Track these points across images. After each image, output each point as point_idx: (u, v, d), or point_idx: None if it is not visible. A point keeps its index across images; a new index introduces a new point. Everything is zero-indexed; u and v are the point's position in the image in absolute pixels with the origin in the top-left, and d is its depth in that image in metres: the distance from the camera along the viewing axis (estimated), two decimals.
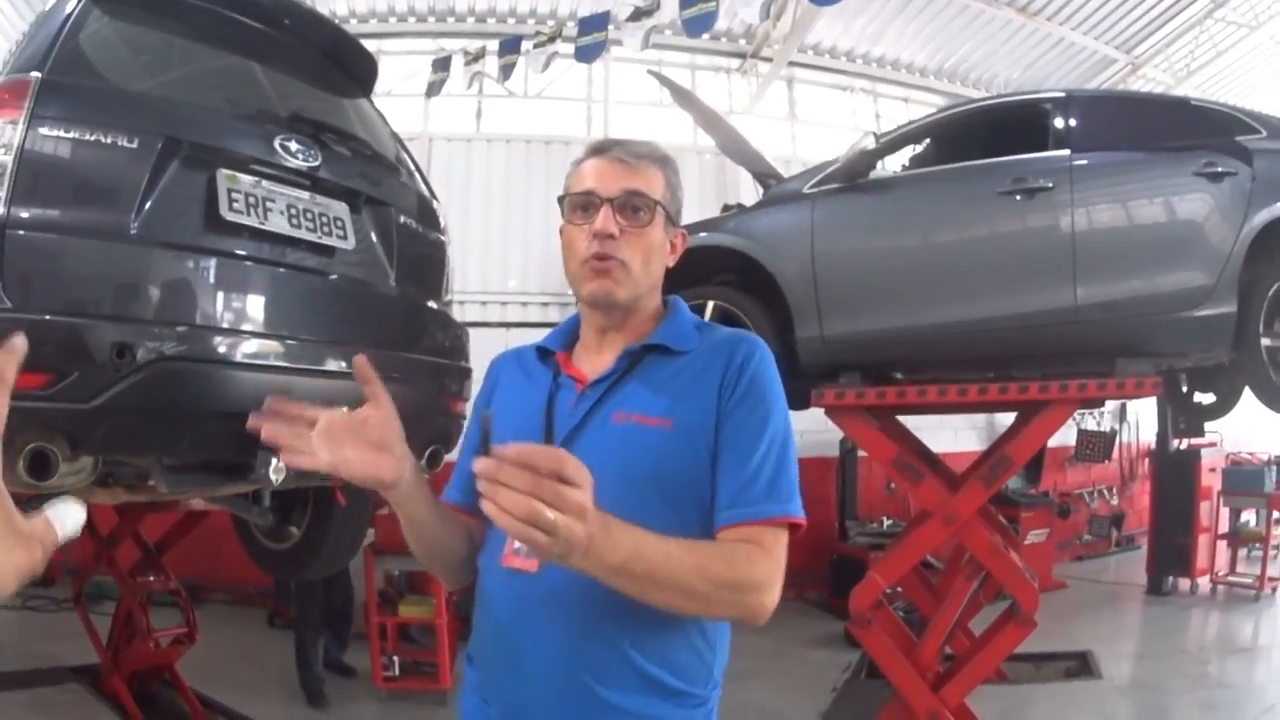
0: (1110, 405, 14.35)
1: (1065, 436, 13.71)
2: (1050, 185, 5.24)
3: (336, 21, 4.78)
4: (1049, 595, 10.81)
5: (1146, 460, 14.74)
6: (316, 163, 4.02)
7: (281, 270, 3.84)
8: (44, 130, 3.29)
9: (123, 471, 3.80)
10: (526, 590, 1.89)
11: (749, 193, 8.92)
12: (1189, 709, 7.23)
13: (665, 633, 1.88)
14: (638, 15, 11.44)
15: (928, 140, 6.36)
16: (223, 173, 3.70)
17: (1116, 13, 14.60)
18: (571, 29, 12.10)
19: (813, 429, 6.51)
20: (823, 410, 5.81)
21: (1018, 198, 5.27)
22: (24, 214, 3.18)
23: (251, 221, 3.73)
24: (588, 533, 1.49)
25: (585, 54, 11.76)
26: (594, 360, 2.09)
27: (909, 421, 6.55)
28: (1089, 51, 15.49)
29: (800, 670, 8.84)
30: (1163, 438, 12.39)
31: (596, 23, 11.65)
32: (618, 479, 1.76)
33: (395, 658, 8.07)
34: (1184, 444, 12.30)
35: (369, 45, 13.85)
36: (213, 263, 3.64)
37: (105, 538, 7.26)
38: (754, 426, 1.92)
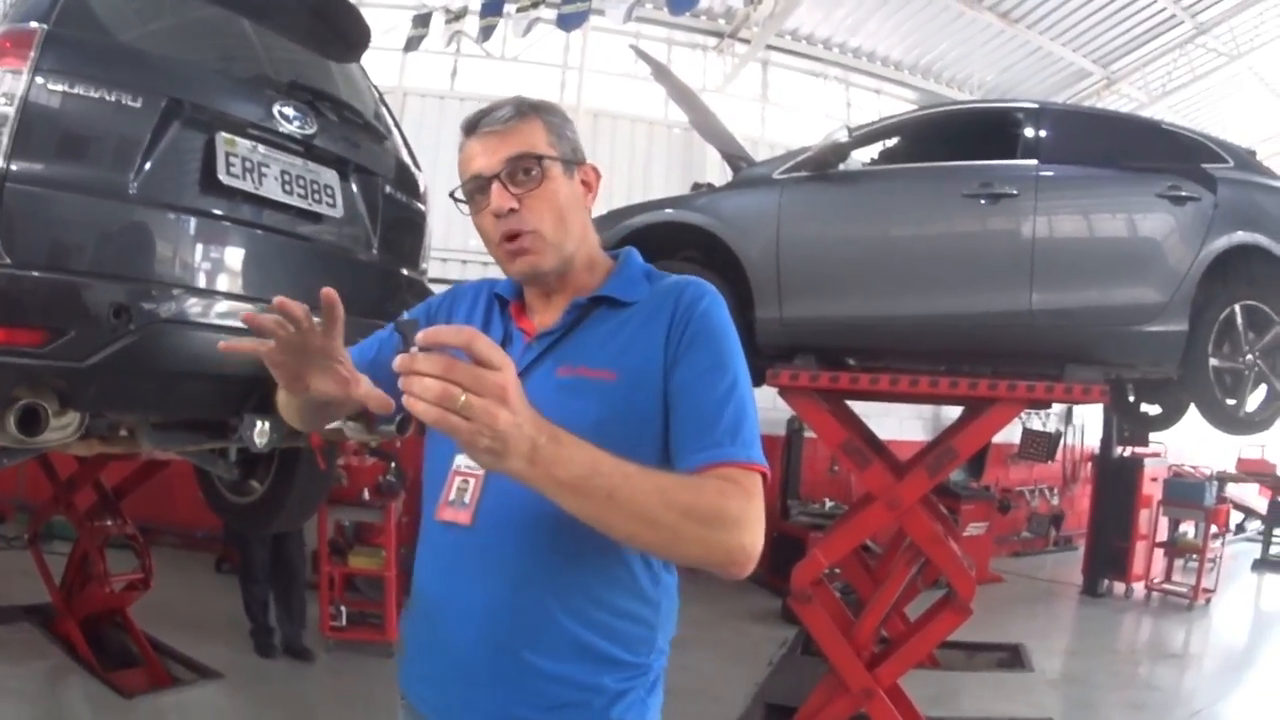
0: (1057, 407, 14.58)
1: (1010, 434, 13.74)
2: (1015, 192, 5.33)
3: None
4: (985, 588, 10.97)
5: (1089, 464, 14.93)
6: (312, 130, 4.04)
7: (272, 235, 3.86)
8: (48, 83, 3.25)
9: (100, 424, 3.81)
10: (458, 544, 1.86)
11: (716, 171, 9.01)
12: (1116, 707, 7.40)
13: (603, 596, 1.85)
14: None
15: (898, 137, 6.45)
16: (222, 136, 3.71)
17: (1098, 28, 14.85)
18: None
19: (761, 407, 6.57)
20: (775, 390, 5.90)
21: (982, 201, 5.36)
22: (25, 168, 3.15)
23: (247, 186, 3.75)
24: (516, 426, 1.40)
25: (567, 22, 11.75)
26: (543, 313, 2.04)
27: (857, 408, 6.63)
28: (1065, 62, 15.69)
29: (737, 643, 8.98)
30: (1107, 443, 12.64)
31: None
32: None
33: (343, 608, 8.10)
34: (1128, 451, 12.50)
35: None
36: (208, 225, 3.68)
37: (65, 481, 7.28)
38: (709, 369, 1.84)
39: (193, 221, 3.62)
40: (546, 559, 1.78)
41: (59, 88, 3.27)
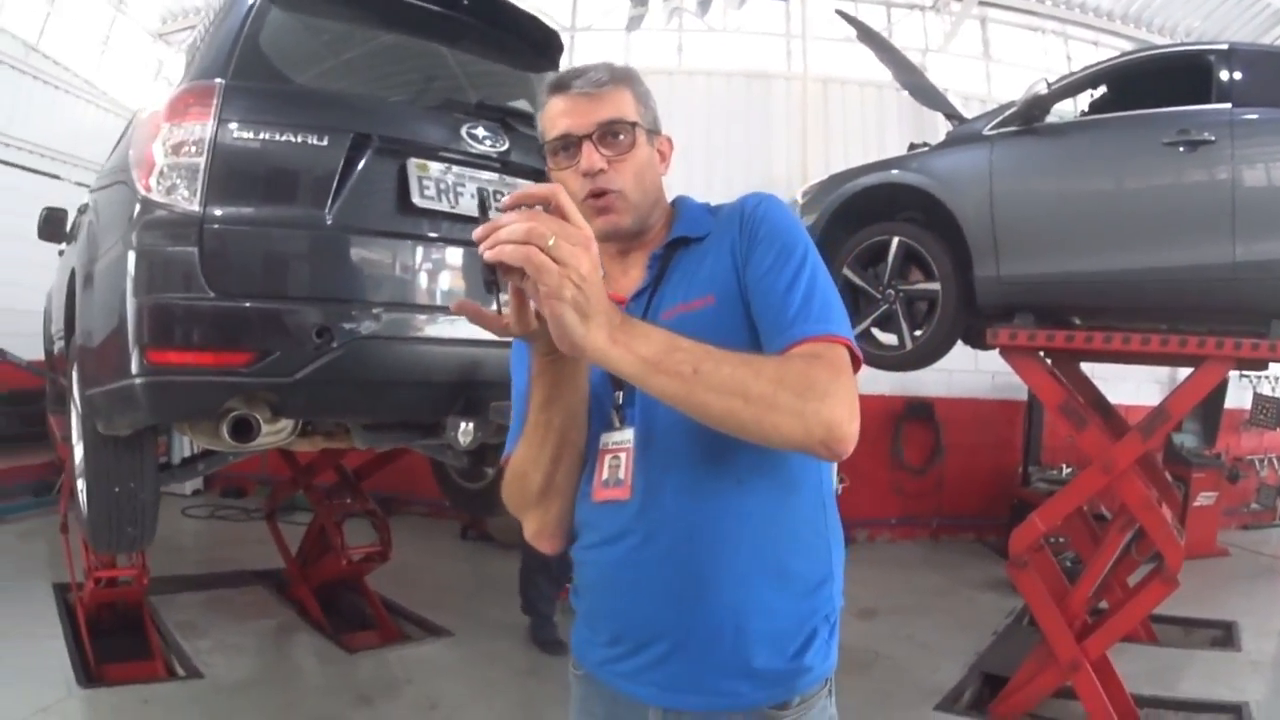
0: None
1: (1243, 399, 13.22)
2: (1212, 139, 5.18)
3: None
4: (1211, 562, 10.83)
5: None
6: (505, 147, 4.26)
7: (472, 248, 4.02)
8: (232, 132, 3.57)
9: (321, 423, 4.19)
10: (622, 517, 1.86)
11: (944, 129, 9.12)
12: None
13: (774, 536, 1.85)
14: None
15: (1099, 86, 6.35)
16: (413, 162, 3.97)
17: None
18: None
19: (1003, 370, 6.60)
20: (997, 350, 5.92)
21: (1181, 149, 5.24)
22: (219, 211, 3.50)
23: (443, 206, 4.00)
24: (595, 281, 1.46)
25: None
26: (625, 280, 2.05)
27: (1092, 372, 6.60)
28: (1265, 2, 15.02)
29: (966, 610, 8.92)
30: None
31: None
32: None
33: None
34: None
35: None
36: (405, 245, 3.99)
37: (304, 467, 7.66)
38: (775, 258, 1.85)
39: (390, 243, 3.92)
40: (712, 513, 1.81)
41: (244, 135, 3.59)
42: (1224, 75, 5.43)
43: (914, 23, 15.47)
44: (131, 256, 3.44)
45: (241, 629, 7.18)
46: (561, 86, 1.97)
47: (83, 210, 5.13)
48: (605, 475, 1.89)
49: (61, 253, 6.98)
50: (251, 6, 3.95)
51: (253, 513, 10.80)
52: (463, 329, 3.79)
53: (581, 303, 1.45)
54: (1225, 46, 5.64)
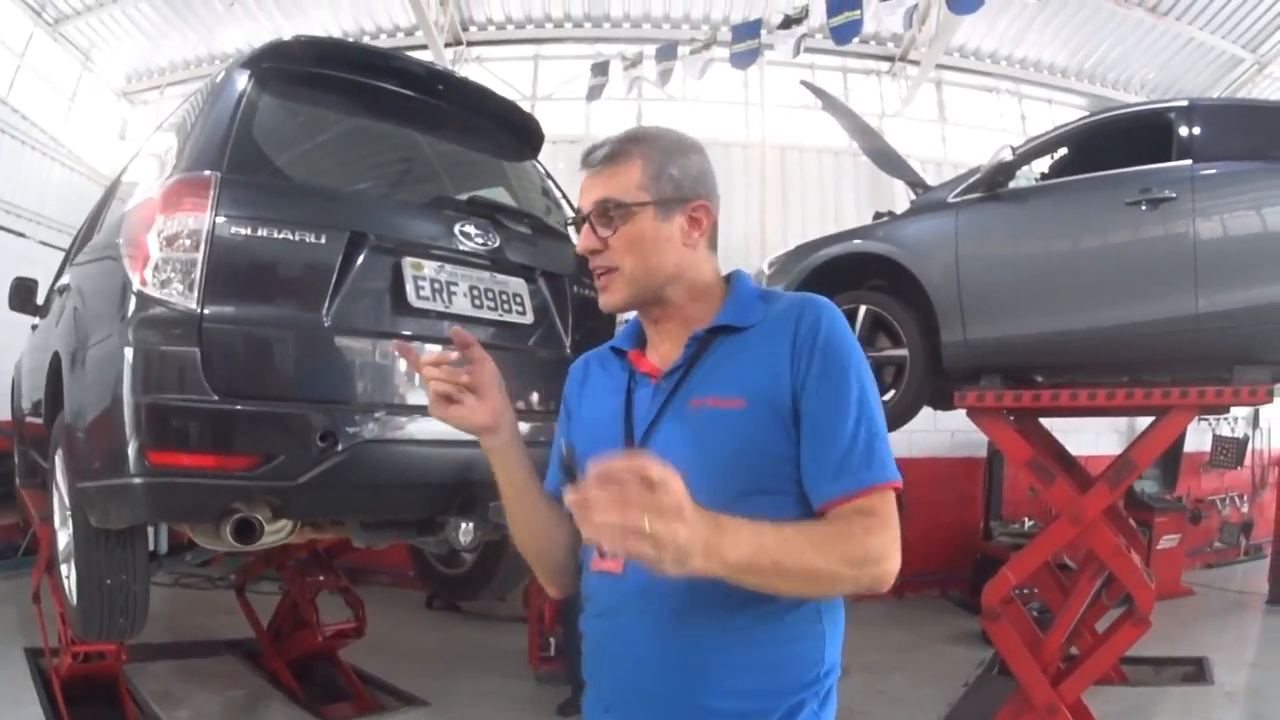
0: (1244, 411, 14.13)
1: (1202, 442, 13.60)
2: (1173, 195, 5.27)
3: (501, 93, 5.05)
4: (1176, 602, 10.94)
5: (1277, 467, 14.50)
6: (495, 244, 4.25)
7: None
8: (230, 228, 3.49)
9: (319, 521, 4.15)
10: (615, 591, 1.90)
11: (903, 197, 9.29)
12: None
13: (764, 624, 1.82)
14: (788, 23, 11.80)
15: (1061, 149, 6.46)
16: (408, 260, 3.93)
17: (1241, 9, 14.52)
18: (725, 35, 12.42)
19: (962, 429, 6.71)
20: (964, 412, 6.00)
21: (1143, 208, 5.32)
22: (218, 309, 3.41)
23: (437, 306, 3.95)
24: (694, 533, 1.46)
25: (739, 60, 12.13)
26: (661, 351, 2.05)
27: (1051, 424, 6.70)
28: (1217, 51, 15.37)
29: (936, 664, 9.00)
30: None
31: (749, 30, 12.04)
32: (700, 466, 1.73)
33: (552, 639, 8.13)
34: None
35: (528, 50, 14.51)
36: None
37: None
38: (839, 394, 1.82)
39: (388, 345, 3.85)
40: (702, 597, 1.77)
41: (241, 231, 3.51)
42: (1184, 132, 5.54)
43: (870, 87, 15.79)
44: (129, 353, 3.36)
45: (217, 699, 7.15)
46: (582, 163, 2.02)
47: (62, 291, 5.05)
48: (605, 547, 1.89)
49: (35, 327, 6.88)
50: (243, 93, 3.91)
51: (217, 580, 10.69)
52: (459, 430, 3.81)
53: (680, 559, 1.47)
54: (1185, 103, 5.76)
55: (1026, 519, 12.73)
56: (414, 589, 11.07)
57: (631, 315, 2.13)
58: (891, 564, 1.74)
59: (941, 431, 11.94)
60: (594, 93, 13.34)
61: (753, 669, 1.79)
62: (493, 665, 8.54)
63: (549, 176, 5.33)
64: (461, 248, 4.12)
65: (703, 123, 14.53)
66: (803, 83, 9.84)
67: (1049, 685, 5.67)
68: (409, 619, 10.07)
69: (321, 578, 7.40)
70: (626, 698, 1.93)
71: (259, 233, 3.55)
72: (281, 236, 3.60)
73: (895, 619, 10.78)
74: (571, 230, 2.15)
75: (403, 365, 3.86)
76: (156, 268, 3.41)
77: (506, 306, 4.24)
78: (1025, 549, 6.31)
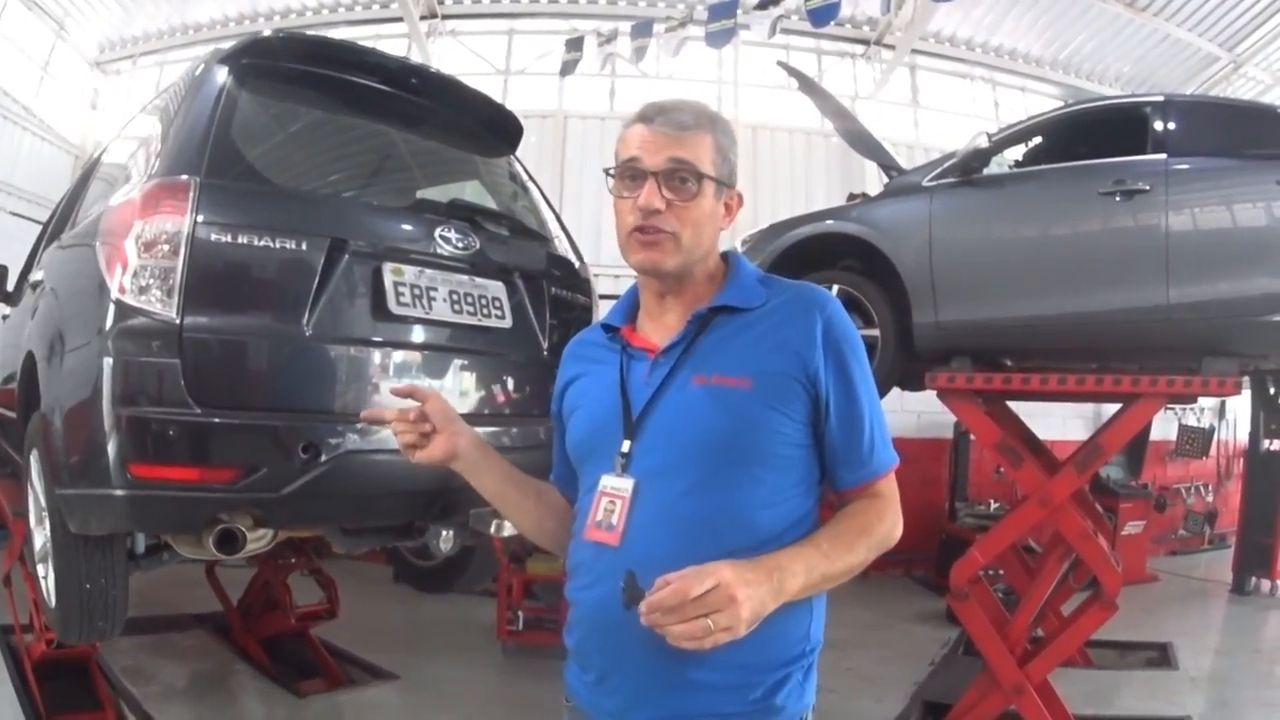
0: (1210, 402, 14.21)
1: (1168, 430, 13.71)
2: (1147, 188, 5.34)
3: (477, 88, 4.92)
4: (1141, 588, 11.07)
5: (1242, 459, 14.63)
6: (475, 248, 4.18)
7: (446, 354, 4.03)
8: (209, 235, 3.41)
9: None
10: (610, 563, 1.90)
11: (874, 178, 9.26)
12: (1253, 705, 7.35)
13: None
14: (765, 4, 11.79)
15: (1036, 137, 6.51)
16: (388, 266, 3.85)
17: (1219, 9, 14.64)
18: (701, 13, 12.42)
19: (929, 410, 6.71)
20: (934, 392, 6.02)
21: (1117, 198, 5.39)
22: (198, 319, 3.33)
23: (418, 312, 3.88)
24: (754, 599, 1.68)
25: (715, 40, 12.12)
26: (658, 327, 2.09)
27: (1018, 408, 6.72)
28: (1193, 48, 15.50)
29: (902, 643, 9.07)
30: (1254, 437, 12.30)
31: (725, 9, 11.99)
32: (703, 441, 1.88)
33: (520, 612, 8.16)
34: (1276, 445, 12.08)
35: (503, 25, 14.43)
36: (384, 354, 3.86)
37: None
38: (855, 388, 1.95)
39: (369, 353, 3.81)
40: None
41: (221, 239, 3.43)
42: (1159, 126, 5.61)
43: (844, 69, 15.83)
44: (108, 364, 3.28)
45: (188, 674, 7.13)
46: (646, 118, 1.99)
47: (35, 286, 4.91)
48: (599, 516, 1.95)
49: (5, 317, 6.70)
50: (221, 90, 3.82)
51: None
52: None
53: (753, 620, 1.70)
54: (1161, 98, 5.82)
55: (992, 501, 12.83)
56: (381, 562, 10.87)
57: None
58: (898, 532, 2.02)
59: (908, 412, 11.97)
60: (568, 68, 13.32)
61: (742, 644, 1.77)
62: (461, 639, 8.53)
63: (527, 173, 5.29)
64: (441, 252, 4.06)
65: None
66: (779, 63, 9.80)
67: (1016, 665, 5.71)
68: (377, 592, 9.96)
69: (294, 559, 7.21)
70: (612, 668, 1.95)
71: (239, 239, 3.48)
72: (262, 244, 3.53)
73: (861, 598, 10.82)
74: (608, 179, 2.05)
75: (383, 371, 3.83)
76: (135, 274, 3.32)
77: (485, 311, 4.20)
78: (993, 530, 6.35)
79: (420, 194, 4.52)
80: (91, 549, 3.66)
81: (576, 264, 5.05)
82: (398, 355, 3.91)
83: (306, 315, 3.61)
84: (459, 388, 4.08)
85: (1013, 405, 6.69)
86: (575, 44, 13.27)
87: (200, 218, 3.40)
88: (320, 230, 3.72)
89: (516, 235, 4.62)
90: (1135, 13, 14.86)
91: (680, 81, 14.82)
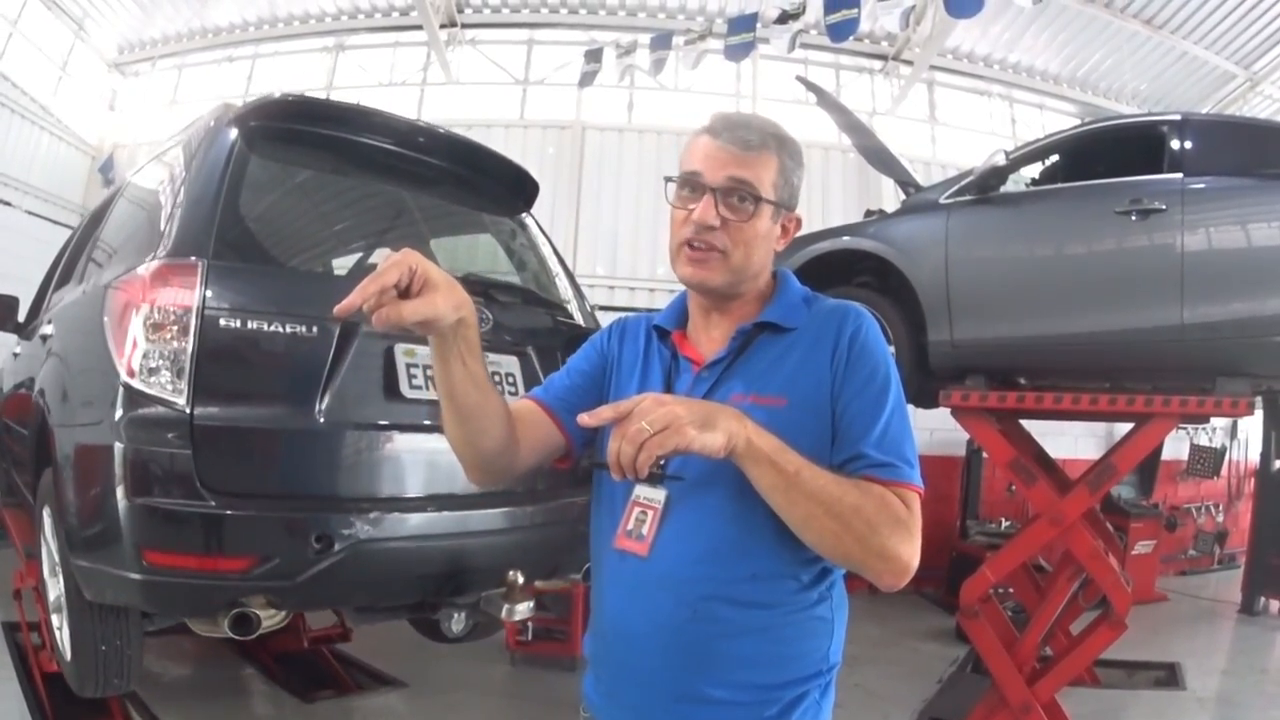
0: (1222, 422, 14.16)
1: (1180, 450, 13.68)
2: (1163, 207, 5.32)
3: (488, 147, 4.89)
4: (1150, 608, 10.90)
5: (1253, 479, 14.52)
6: (489, 324, 4.09)
7: None
8: (218, 320, 3.39)
9: None
10: (636, 573, 1.90)
11: (891, 194, 9.24)
12: None
13: (782, 618, 1.86)
14: (784, 18, 11.76)
15: (1054, 156, 6.47)
16: (400, 347, 3.82)
17: (1236, 27, 14.65)
18: (721, 26, 12.43)
19: (941, 427, 6.68)
20: (948, 410, 6.02)
21: (1133, 218, 5.38)
22: (209, 407, 3.33)
23: (430, 395, 3.74)
24: (690, 408, 1.65)
25: (734, 53, 12.14)
26: (705, 340, 2.06)
27: (1031, 426, 6.72)
28: (1210, 66, 15.50)
29: (910, 660, 8.98)
30: (1265, 457, 12.20)
31: (745, 23, 12.00)
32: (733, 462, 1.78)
33: (529, 623, 8.06)
34: None
35: (522, 35, 14.43)
36: (395, 439, 3.82)
37: None
38: (874, 396, 1.86)
39: (382, 436, 3.78)
40: (722, 591, 1.83)
41: (230, 324, 3.41)
42: (1176, 145, 5.54)
43: (862, 85, 15.84)
44: (120, 450, 3.28)
45: (196, 677, 7.11)
46: (713, 131, 1.96)
47: (45, 339, 4.87)
48: (630, 526, 1.94)
49: (16, 354, 6.55)
50: (230, 155, 3.79)
51: None
52: (452, 523, 3.81)
53: (700, 421, 1.65)
54: (1178, 117, 5.78)
55: (1003, 519, 12.75)
56: None
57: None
58: (906, 548, 1.77)
59: (921, 429, 11.64)
60: (586, 79, 13.28)
61: (760, 663, 1.81)
62: (470, 648, 8.36)
63: (540, 229, 5.26)
64: None
65: (693, 113, 14.31)
66: (798, 78, 9.80)
67: (1024, 684, 5.69)
68: None
69: None
70: (628, 679, 1.95)
71: (249, 325, 3.47)
72: (272, 328, 3.52)
73: (870, 614, 10.77)
74: (668, 186, 2.02)
75: (396, 457, 3.82)
76: (144, 356, 3.34)
77: (500, 389, 4.15)
78: (1004, 548, 6.33)
79: None
80: (107, 612, 3.68)
81: (590, 325, 4.96)
82: (410, 438, 3.86)
83: (318, 401, 3.60)
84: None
85: (1026, 424, 6.68)
86: (594, 55, 13.25)
87: (209, 301, 3.40)
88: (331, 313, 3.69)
89: (530, 305, 4.62)
90: (1152, 30, 14.86)
91: (698, 95, 14.90)
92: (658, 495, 1.92)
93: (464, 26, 15.61)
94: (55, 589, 4.10)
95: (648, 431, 1.60)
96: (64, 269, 5.71)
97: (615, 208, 13.96)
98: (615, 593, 1.97)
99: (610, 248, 13.87)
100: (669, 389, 2.01)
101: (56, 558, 3.97)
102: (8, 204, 13.63)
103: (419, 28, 15.03)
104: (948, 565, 11.52)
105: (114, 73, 16.97)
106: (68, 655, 3.94)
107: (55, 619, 4.17)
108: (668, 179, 2.02)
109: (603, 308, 12.98)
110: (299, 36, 16.48)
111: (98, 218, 5.44)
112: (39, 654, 5.91)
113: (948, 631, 9.77)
